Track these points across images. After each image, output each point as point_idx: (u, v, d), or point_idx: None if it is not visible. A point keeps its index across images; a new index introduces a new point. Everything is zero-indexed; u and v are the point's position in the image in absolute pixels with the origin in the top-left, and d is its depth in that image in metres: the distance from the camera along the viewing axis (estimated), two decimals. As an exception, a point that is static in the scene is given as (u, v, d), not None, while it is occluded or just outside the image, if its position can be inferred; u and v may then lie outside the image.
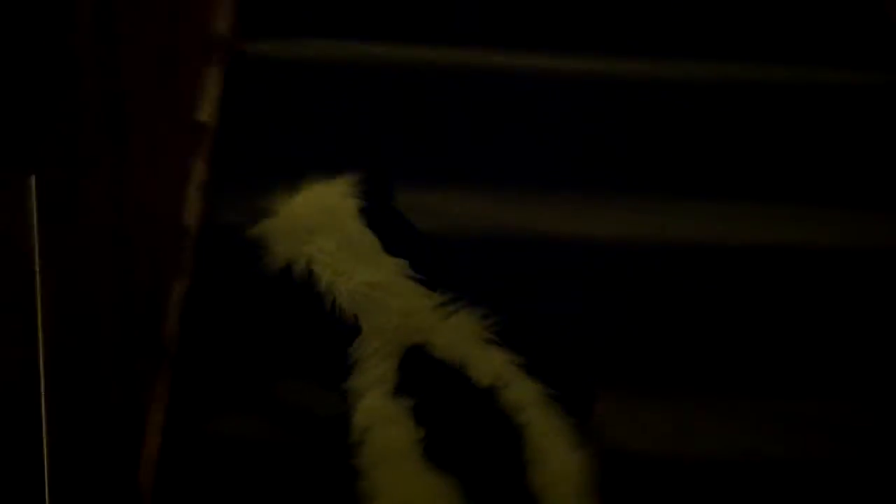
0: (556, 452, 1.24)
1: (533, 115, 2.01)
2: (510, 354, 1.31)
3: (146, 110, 1.43)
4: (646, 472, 1.50)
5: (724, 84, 2.15)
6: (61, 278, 1.08)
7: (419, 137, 1.91)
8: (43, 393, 1.05)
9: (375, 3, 1.77)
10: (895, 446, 1.59)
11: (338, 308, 1.38)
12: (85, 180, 1.17)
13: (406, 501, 1.22)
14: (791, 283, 1.80)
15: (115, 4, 1.28)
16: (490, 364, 1.30)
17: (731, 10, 2.35)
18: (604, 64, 2.14)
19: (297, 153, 1.87)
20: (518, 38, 2.19)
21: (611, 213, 1.86)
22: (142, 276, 1.41)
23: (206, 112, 1.82)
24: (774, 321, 1.75)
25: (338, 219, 1.44)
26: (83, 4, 1.16)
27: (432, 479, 1.22)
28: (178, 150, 1.65)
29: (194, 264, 1.60)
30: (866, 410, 1.65)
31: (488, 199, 1.83)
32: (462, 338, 1.34)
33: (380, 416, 1.28)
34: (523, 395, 1.28)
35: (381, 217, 1.46)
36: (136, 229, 1.38)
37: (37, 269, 0.95)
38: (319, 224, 1.44)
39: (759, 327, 1.73)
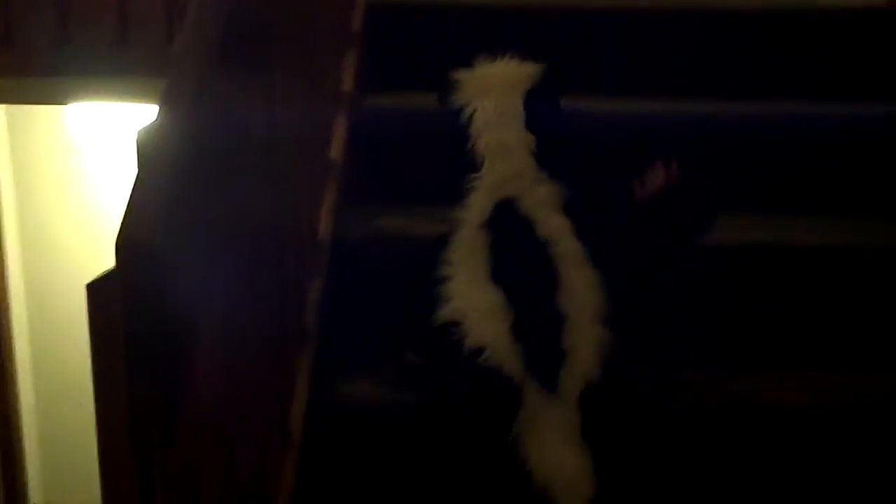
0: (582, 287, 1.73)
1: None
2: (571, 222, 1.79)
3: (292, 150, 1.90)
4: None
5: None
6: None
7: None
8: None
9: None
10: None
11: (476, 151, 1.90)
12: (251, 209, 1.64)
13: (467, 310, 1.72)
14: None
15: (276, 76, 1.75)
16: (551, 225, 1.79)
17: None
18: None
19: (409, 183, 2.33)
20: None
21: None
22: (293, 279, 1.88)
23: (336, 150, 2.28)
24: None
25: (509, 88, 1.94)
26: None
27: (492, 292, 1.73)
28: (315, 181, 2.12)
29: (327, 268, 2.07)
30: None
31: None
32: (542, 200, 1.82)
33: (467, 241, 1.80)
34: (567, 249, 1.77)
35: (541, 104, 1.95)
36: (287, 242, 1.85)
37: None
38: (494, 86, 1.94)
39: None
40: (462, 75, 1.98)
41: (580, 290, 1.74)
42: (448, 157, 1.96)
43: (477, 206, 1.85)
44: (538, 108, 1.92)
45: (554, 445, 1.64)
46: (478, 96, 1.94)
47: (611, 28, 2.67)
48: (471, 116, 1.92)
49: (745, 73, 2.65)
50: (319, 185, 2.16)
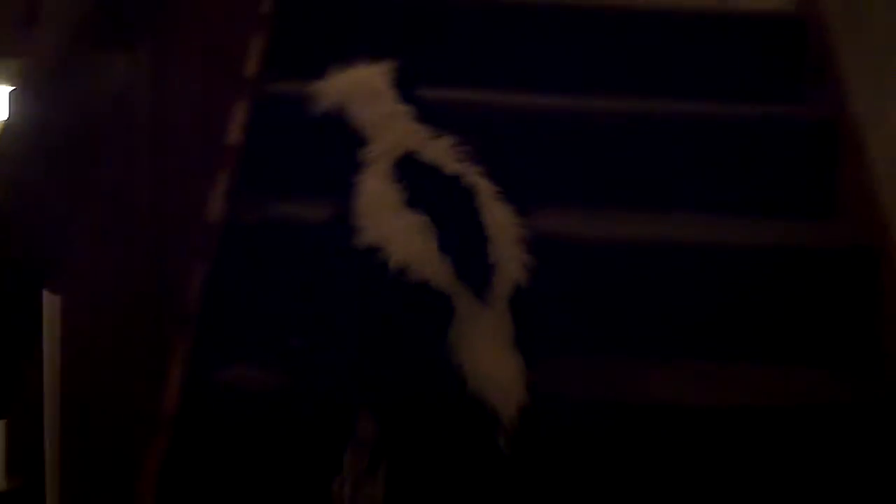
0: (499, 213, 1.75)
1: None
2: (477, 167, 1.80)
3: (184, 131, 1.88)
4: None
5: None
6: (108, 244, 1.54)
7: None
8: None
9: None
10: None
11: (359, 132, 1.88)
12: (129, 186, 1.62)
13: (388, 234, 1.70)
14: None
15: (169, 59, 1.74)
16: (459, 167, 1.79)
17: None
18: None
19: (306, 171, 2.32)
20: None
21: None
22: (174, 259, 1.86)
23: (234, 135, 2.27)
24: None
25: (374, 84, 1.95)
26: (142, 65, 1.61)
27: (412, 216, 1.71)
28: (209, 164, 2.10)
29: (216, 252, 2.06)
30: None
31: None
32: (442, 151, 1.82)
33: (375, 188, 1.78)
34: (480, 183, 1.77)
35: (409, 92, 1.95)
36: (170, 224, 1.83)
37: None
38: (358, 87, 1.95)
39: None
40: (317, 86, 1.98)
41: (499, 214, 1.75)
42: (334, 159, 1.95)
43: (376, 168, 1.82)
44: (403, 82, 1.95)
45: (487, 353, 1.65)
46: (342, 97, 1.94)
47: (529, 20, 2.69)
48: (342, 108, 1.92)
49: (643, 72, 2.67)
50: (214, 168, 2.14)
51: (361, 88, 1.93)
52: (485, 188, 1.77)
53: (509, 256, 1.72)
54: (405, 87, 1.94)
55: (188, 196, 1.95)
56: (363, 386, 1.72)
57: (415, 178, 1.77)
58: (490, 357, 1.65)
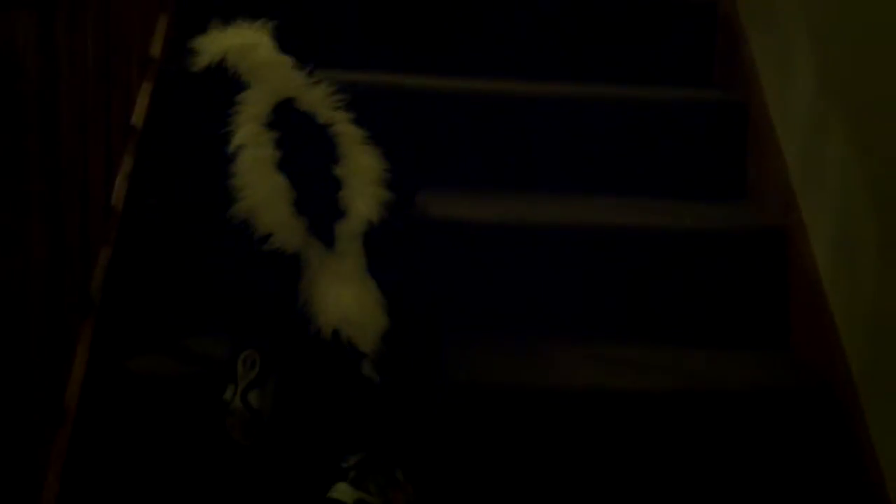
0: (360, 157, 1.90)
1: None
2: (348, 115, 1.94)
3: (80, 111, 1.82)
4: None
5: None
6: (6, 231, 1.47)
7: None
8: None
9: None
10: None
11: (238, 77, 1.97)
12: (24, 171, 1.55)
13: (257, 202, 1.84)
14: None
15: (62, 25, 1.66)
16: (331, 115, 1.94)
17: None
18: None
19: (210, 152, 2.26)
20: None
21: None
22: (73, 244, 1.79)
23: (137, 116, 2.20)
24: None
25: (253, 37, 2.03)
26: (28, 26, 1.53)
27: (276, 177, 1.85)
28: (110, 145, 2.04)
29: (117, 237, 1.99)
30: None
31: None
32: (319, 98, 1.95)
33: (251, 139, 1.90)
34: (347, 130, 1.93)
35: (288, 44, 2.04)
36: (69, 207, 1.76)
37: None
38: (238, 39, 2.03)
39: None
40: (197, 42, 2.06)
41: (358, 159, 1.89)
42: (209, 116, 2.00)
43: (253, 111, 1.92)
44: (285, 38, 2.03)
45: (339, 293, 1.77)
46: (222, 48, 2.02)
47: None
48: (222, 59, 2.00)
49: (558, 56, 2.66)
50: (115, 150, 2.07)
51: (242, 40, 2.00)
52: (352, 133, 1.91)
53: (363, 198, 1.85)
54: (284, 40, 2.02)
55: (90, 179, 1.88)
56: (243, 338, 1.83)
57: (288, 127, 1.90)
58: (341, 296, 1.76)
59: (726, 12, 2.67)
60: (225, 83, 1.96)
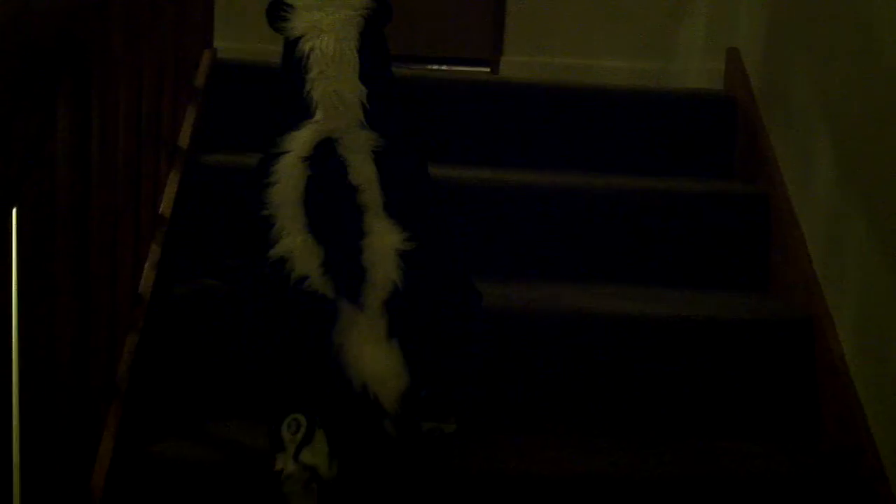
0: (380, 231, 1.94)
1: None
2: (377, 171, 1.99)
3: (111, 202, 1.84)
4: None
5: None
6: (31, 317, 1.48)
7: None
8: (15, 418, 1.43)
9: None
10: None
11: (308, 95, 2.04)
12: (53, 259, 1.57)
13: (291, 244, 1.92)
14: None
15: (93, 119, 1.70)
16: (362, 174, 1.98)
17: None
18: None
19: (237, 243, 2.29)
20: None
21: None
22: (100, 331, 1.81)
23: (165, 206, 2.23)
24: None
25: (345, 24, 2.10)
26: (63, 123, 1.57)
27: (305, 233, 1.93)
28: (138, 235, 2.06)
29: (144, 324, 2.00)
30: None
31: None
32: (358, 145, 2.00)
33: (287, 171, 1.97)
34: (371, 199, 1.97)
35: (372, 41, 2.13)
36: (97, 294, 1.78)
37: (13, 295, 1.35)
38: (326, 23, 2.10)
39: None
40: (294, 4, 2.12)
41: (378, 233, 1.95)
42: (280, 91, 2.11)
43: (301, 139, 2.00)
44: (369, 35, 2.11)
45: (366, 349, 1.86)
46: (312, 33, 2.07)
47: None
48: (307, 55, 2.06)
49: (582, 147, 2.69)
50: (144, 238, 2.10)
51: (333, 39, 2.07)
52: (374, 203, 1.97)
53: (384, 264, 1.93)
54: (374, 26, 2.11)
55: (119, 267, 1.90)
56: (283, 401, 1.88)
57: (321, 176, 1.98)
58: (368, 353, 1.86)
59: (745, 107, 2.70)
60: (296, 84, 2.06)
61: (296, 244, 1.92)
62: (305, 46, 2.07)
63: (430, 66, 4.62)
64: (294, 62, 2.07)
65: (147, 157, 2.09)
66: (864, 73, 2.17)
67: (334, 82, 2.04)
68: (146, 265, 2.09)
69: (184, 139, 2.38)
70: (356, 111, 2.04)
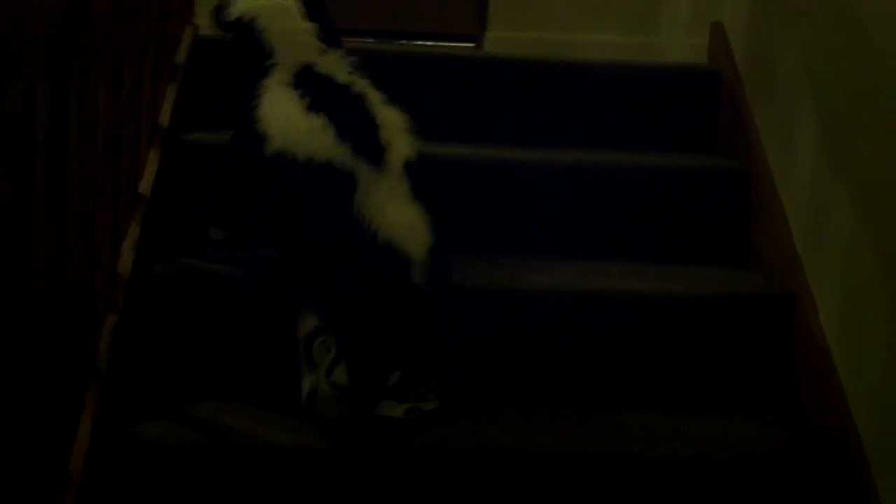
0: (387, 111, 2.08)
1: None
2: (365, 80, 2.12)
3: (89, 180, 1.83)
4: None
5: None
6: (7, 296, 1.47)
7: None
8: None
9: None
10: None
11: (265, 41, 2.15)
12: (31, 236, 1.56)
13: (294, 139, 2.00)
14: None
15: (73, 89, 1.68)
16: (350, 77, 2.12)
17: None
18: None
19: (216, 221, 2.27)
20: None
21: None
22: (79, 310, 1.80)
23: (145, 184, 2.22)
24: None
25: (283, 2, 2.21)
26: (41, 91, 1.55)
27: (312, 119, 2.02)
28: (118, 214, 2.05)
29: (123, 304, 2.00)
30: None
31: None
32: (335, 63, 2.14)
33: (277, 97, 2.07)
34: (368, 90, 2.10)
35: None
36: (76, 274, 1.77)
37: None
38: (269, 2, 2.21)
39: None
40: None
41: (386, 112, 2.07)
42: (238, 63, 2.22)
43: (278, 76, 2.10)
44: (310, 4, 2.21)
45: (391, 206, 1.95)
46: (253, 2, 2.20)
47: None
48: (253, 21, 2.17)
49: (565, 123, 2.68)
50: (124, 217, 2.08)
51: (272, 3, 2.19)
52: (372, 94, 2.09)
53: (398, 139, 2.03)
54: (311, 7, 2.21)
55: (97, 246, 1.89)
56: (300, 281, 1.98)
57: (313, 86, 2.07)
58: (393, 209, 1.95)
59: (730, 82, 2.70)
60: (253, 43, 2.16)
61: (299, 129, 1.99)
62: (248, 14, 2.19)
63: (414, 42, 4.60)
64: (243, 31, 2.18)
65: (127, 135, 2.07)
66: (847, 46, 2.17)
67: (282, 23, 2.17)
68: (126, 244, 2.08)
69: (164, 117, 2.37)
70: (314, 42, 2.15)
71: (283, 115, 2.02)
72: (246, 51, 2.17)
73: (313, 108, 2.02)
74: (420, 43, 4.83)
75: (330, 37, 2.18)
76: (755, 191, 2.47)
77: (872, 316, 1.98)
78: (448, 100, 2.67)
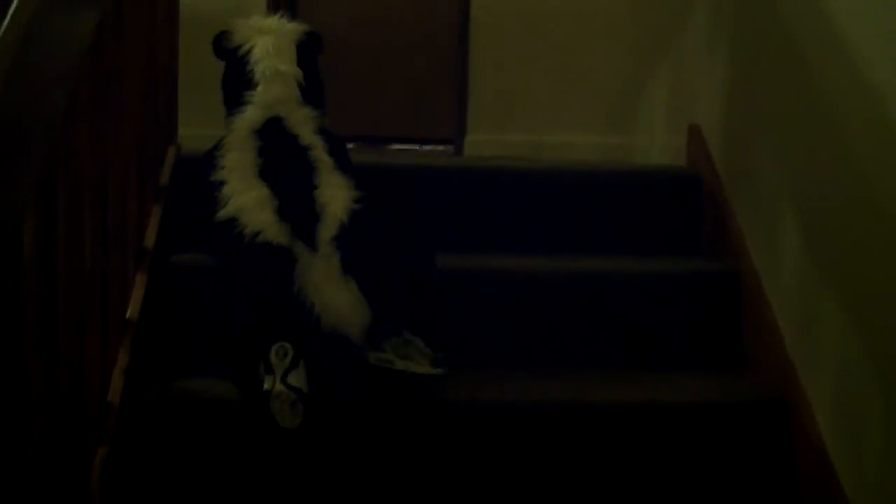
0: (332, 180, 2.27)
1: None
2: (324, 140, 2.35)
3: (78, 309, 1.81)
4: None
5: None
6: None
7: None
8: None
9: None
10: None
11: (252, 75, 2.41)
12: (21, 366, 1.53)
13: (242, 205, 2.21)
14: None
15: (58, 236, 1.67)
16: (310, 137, 2.34)
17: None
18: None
19: (205, 344, 2.26)
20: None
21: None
22: (70, 442, 1.77)
23: (133, 309, 2.20)
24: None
25: (282, 33, 2.47)
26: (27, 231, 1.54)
27: (259, 188, 2.23)
28: (106, 340, 2.03)
29: (114, 433, 1.97)
30: None
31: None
32: (303, 120, 2.36)
33: (238, 143, 2.32)
34: (322, 157, 2.32)
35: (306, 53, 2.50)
36: (66, 404, 1.74)
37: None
38: (269, 30, 2.47)
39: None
40: (238, 22, 2.48)
41: (331, 182, 2.25)
42: (226, 90, 2.45)
43: (249, 117, 2.33)
44: (303, 54, 2.44)
45: (327, 289, 2.10)
46: (254, 37, 2.43)
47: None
48: (248, 52, 2.40)
49: (545, 229, 2.68)
50: (112, 345, 2.06)
51: (272, 40, 2.43)
52: (326, 161, 2.29)
53: (333, 204, 2.20)
54: (307, 50, 2.46)
55: (87, 375, 1.87)
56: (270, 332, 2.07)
57: (274, 144, 2.30)
58: (329, 291, 2.10)
59: (710, 184, 2.71)
60: (241, 72, 2.39)
61: (249, 199, 2.18)
62: (247, 46, 2.40)
63: (393, 146, 4.65)
64: (237, 61, 2.39)
65: (114, 261, 2.06)
66: (825, 145, 2.18)
67: (272, 61, 2.38)
68: (115, 371, 2.06)
69: (150, 239, 2.36)
70: (293, 87, 2.36)
71: (237, 176, 2.25)
72: (234, 79, 2.38)
73: (263, 174, 2.24)
74: (399, 147, 4.88)
75: (312, 87, 2.39)
76: (744, 293, 2.46)
77: (870, 420, 1.97)
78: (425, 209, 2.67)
